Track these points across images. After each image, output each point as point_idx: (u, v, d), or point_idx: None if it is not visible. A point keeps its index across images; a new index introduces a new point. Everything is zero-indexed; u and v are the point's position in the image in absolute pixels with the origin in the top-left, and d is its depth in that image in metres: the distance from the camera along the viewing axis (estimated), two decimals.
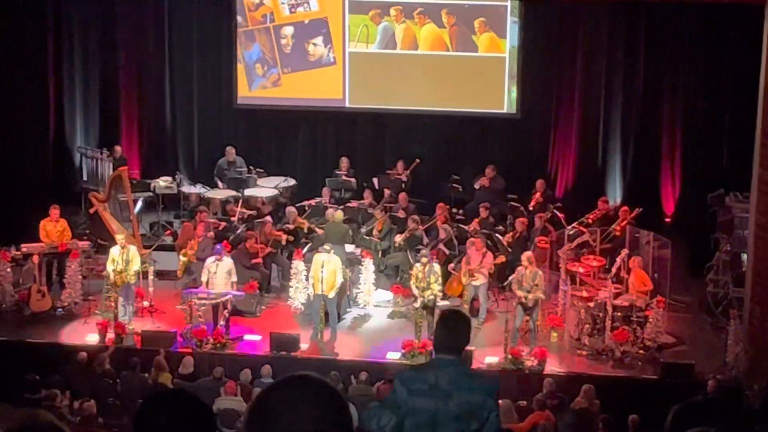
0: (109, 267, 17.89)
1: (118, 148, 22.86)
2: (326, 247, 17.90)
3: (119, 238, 18.24)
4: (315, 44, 23.17)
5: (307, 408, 2.83)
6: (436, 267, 17.73)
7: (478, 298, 18.29)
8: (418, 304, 17.41)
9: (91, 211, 20.40)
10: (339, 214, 19.87)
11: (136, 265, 17.98)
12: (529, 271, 17.20)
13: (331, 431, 2.85)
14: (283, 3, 23.13)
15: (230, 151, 22.69)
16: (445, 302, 18.63)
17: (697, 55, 21.90)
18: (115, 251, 17.98)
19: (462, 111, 22.96)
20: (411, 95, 23.17)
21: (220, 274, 17.57)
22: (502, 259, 18.73)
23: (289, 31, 23.29)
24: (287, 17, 23.26)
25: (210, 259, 17.77)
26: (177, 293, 18.80)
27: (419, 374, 6.12)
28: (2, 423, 2.92)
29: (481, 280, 18.23)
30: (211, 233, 19.72)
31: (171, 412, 3.25)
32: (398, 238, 19.76)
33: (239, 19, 23.26)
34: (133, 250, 18.07)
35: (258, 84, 23.64)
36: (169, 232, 21.27)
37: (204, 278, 17.70)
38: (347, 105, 23.38)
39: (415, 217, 20.16)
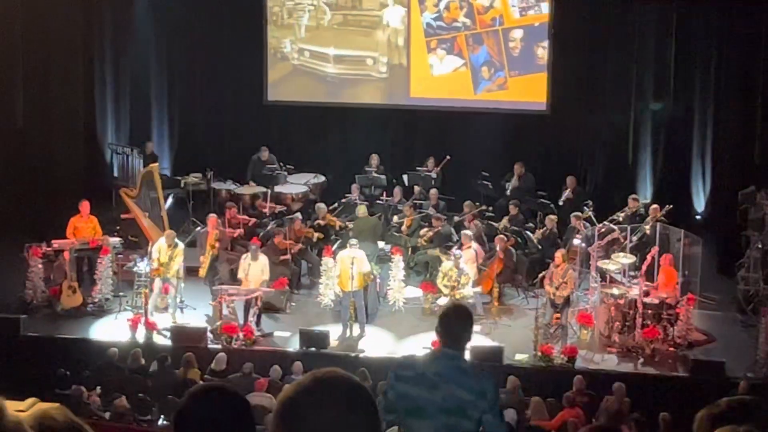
0: (154, 254, 18.04)
1: (149, 144, 22.99)
2: (351, 242, 17.95)
3: (170, 234, 18.39)
4: (544, 47, 22.95)
5: (334, 406, 2.82)
6: (467, 268, 17.74)
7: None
8: (444, 302, 17.38)
9: (123, 216, 20.40)
10: (368, 209, 20.02)
11: (177, 263, 18.11)
12: (560, 268, 17.16)
13: (358, 430, 2.84)
14: (513, 6, 22.96)
15: (264, 150, 22.76)
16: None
17: (728, 51, 21.76)
18: (162, 242, 18.15)
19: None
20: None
21: (254, 270, 17.64)
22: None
23: (518, 34, 23.08)
24: (517, 20, 23.06)
25: (245, 256, 17.84)
26: (206, 289, 18.88)
27: (410, 362, 6.18)
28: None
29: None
30: (240, 230, 19.91)
31: (212, 406, 3.27)
32: (422, 236, 19.77)
33: (467, 21, 23.12)
34: (180, 248, 18.21)
35: (483, 87, 23.42)
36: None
37: (241, 275, 17.76)
38: None
39: (440, 215, 20.20)
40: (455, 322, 6.09)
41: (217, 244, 18.86)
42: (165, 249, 18.07)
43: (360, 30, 23.68)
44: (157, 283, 18.13)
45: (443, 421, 5.88)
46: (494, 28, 23.10)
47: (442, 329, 6.11)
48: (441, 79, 23.58)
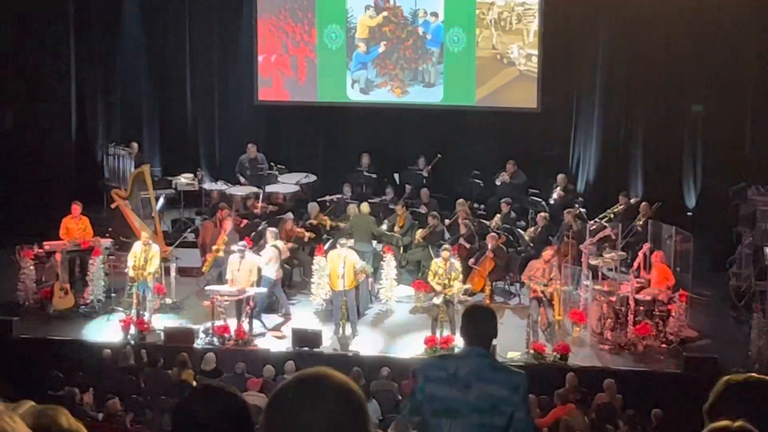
0: (129, 261, 17.94)
1: (134, 145, 22.91)
2: (342, 241, 17.91)
3: (144, 235, 18.26)
4: None
5: (321, 405, 2.82)
6: (457, 264, 17.72)
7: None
8: (438, 300, 17.37)
9: (113, 206, 20.38)
10: (364, 207, 19.94)
11: (154, 265, 17.94)
12: (548, 265, 17.17)
13: (347, 429, 2.84)
14: None
15: (251, 148, 22.74)
16: (468, 298, 18.66)
17: (717, 47, 21.77)
18: (137, 247, 18.02)
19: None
20: None
21: (243, 271, 17.59)
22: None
23: None
24: None
25: (233, 256, 17.78)
26: (199, 290, 18.84)
27: (440, 362, 6.16)
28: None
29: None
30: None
31: (210, 407, 3.27)
32: (418, 234, 19.78)
33: None
34: (154, 249, 18.07)
35: None
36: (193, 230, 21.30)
37: (228, 276, 17.69)
38: None
39: (435, 213, 20.19)
40: (480, 321, 6.12)
41: (222, 247, 18.76)
42: (140, 252, 17.91)
43: None
44: (141, 287, 17.88)
45: (476, 420, 5.87)
46: None
47: (467, 330, 6.12)
48: None
